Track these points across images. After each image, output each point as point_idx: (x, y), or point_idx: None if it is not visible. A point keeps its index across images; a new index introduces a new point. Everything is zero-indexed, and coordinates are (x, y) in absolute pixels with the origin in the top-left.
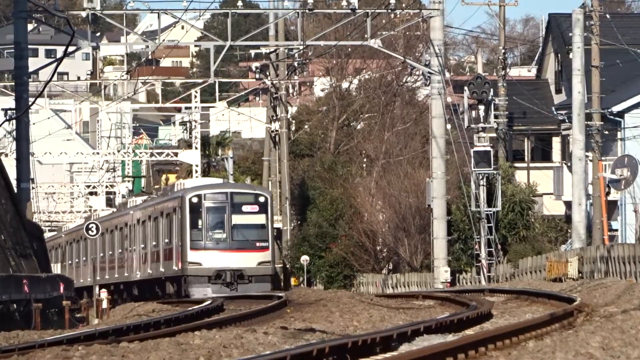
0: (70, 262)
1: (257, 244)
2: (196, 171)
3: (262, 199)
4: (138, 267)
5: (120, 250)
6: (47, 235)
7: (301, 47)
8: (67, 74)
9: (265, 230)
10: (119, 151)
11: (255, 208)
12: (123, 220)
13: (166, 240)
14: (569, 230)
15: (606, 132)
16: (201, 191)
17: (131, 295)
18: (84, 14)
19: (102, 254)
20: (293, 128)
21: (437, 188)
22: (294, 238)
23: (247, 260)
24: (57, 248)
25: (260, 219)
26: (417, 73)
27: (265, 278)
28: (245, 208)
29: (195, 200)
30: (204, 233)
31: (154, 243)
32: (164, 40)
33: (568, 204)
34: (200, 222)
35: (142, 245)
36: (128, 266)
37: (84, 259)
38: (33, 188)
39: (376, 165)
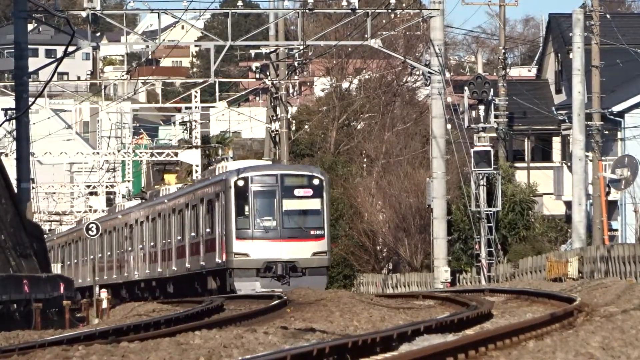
0: (84, 258)
1: (312, 232)
2: (196, 171)
3: (316, 181)
4: (174, 261)
5: (152, 244)
6: (64, 228)
7: (301, 47)
8: (67, 74)
9: (320, 217)
10: (119, 151)
11: (309, 191)
12: (155, 211)
13: (207, 230)
14: (569, 230)
15: (606, 132)
16: (248, 173)
17: (164, 293)
18: (84, 14)
19: (129, 249)
20: (293, 128)
21: (437, 188)
22: None
23: (301, 251)
24: (65, 245)
25: (315, 203)
26: (417, 73)
27: (320, 270)
28: (297, 192)
29: (241, 183)
30: (252, 220)
31: (192, 234)
32: (164, 40)
33: (568, 204)
34: (247, 208)
35: (179, 237)
36: (162, 261)
37: (99, 255)
38: (33, 188)
39: (376, 165)
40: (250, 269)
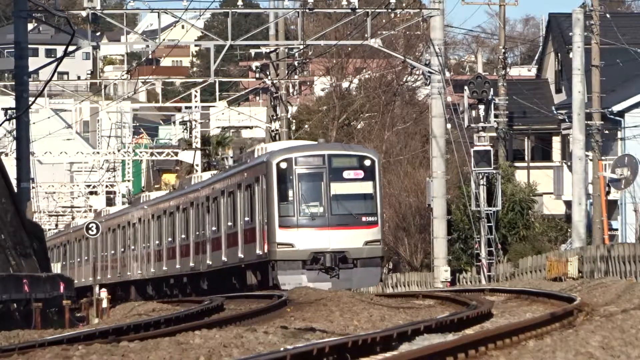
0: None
1: (364, 219)
2: (196, 170)
3: (367, 162)
4: (209, 254)
5: (183, 236)
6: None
7: (301, 47)
8: (67, 73)
9: (372, 202)
10: (119, 151)
11: (360, 173)
12: (187, 200)
13: (246, 219)
14: (569, 230)
15: (606, 132)
16: (291, 154)
17: (197, 289)
18: (84, 13)
19: (156, 242)
20: (293, 127)
21: (437, 187)
22: None
23: (351, 239)
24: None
25: (367, 187)
26: (417, 72)
27: (374, 261)
28: (347, 174)
29: (284, 165)
30: (296, 207)
31: (229, 223)
32: (164, 39)
33: (568, 204)
34: (290, 193)
35: (214, 228)
36: (195, 254)
37: (122, 251)
38: (33, 187)
39: None
40: (295, 260)
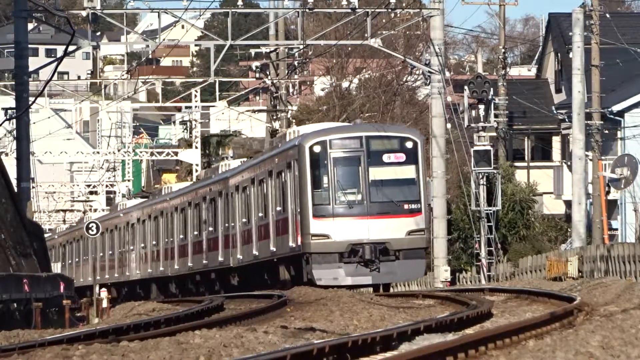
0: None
1: (406, 207)
2: (196, 170)
3: (409, 144)
4: (239, 248)
5: (211, 229)
6: (101, 215)
7: (301, 47)
8: (67, 73)
9: (415, 187)
10: (119, 150)
11: (401, 157)
12: (214, 190)
13: (278, 209)
14: (569, 230)
15: (606, 132)
16: (325, 136)
17: (227, 286)
18: (84, 13)
19: (180, 237)
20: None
21: (437, 187)
22: None
23: (393, 229)
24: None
25: (409, 171)
26: (417, 72)
27: (417, 253)
28: (386, 157)
29: (317, 149)
30: (332, 194)
31: (260, 214)
32: (164, 39)
33: (568, 203)
34: (325, 180)
35: (244, 220)
36: (224, 248)
37: (141, 246)
38: (33, 187)
39: None
40: (331, 253)
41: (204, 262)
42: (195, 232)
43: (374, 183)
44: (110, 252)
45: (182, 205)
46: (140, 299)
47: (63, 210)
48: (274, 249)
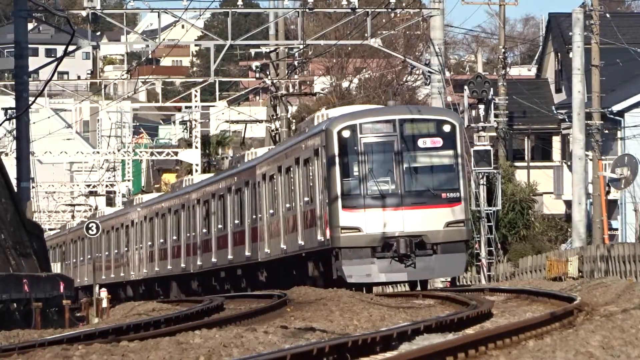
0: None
1: (444, 196)
2: (196, 170)
3: (447, 128)
4: (266, 242)
5: (237, 221)
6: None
7: (301, 47)
8: (67, 73)
9: (454, 174)
10: (119, 150)
11: (438, 141)
12: (239, 180)
13: (306, 199)
14: (569, 230)
15: (606, 132)
16: (355, 120)
17: (254, 282)
18: (84, 13)
19: (203, 231)
20: (293, 127)
21: None
22: None
23: (430, 221)
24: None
25: (447, 157)
26: (417, 72)
27: (457, 247)
28: (422, 142)
29: (346, 134)
30: (363, 183)
31: (287, 205)
32: (164, 39)
33: (568, 203)
34: (355, 167)
35: (271, 211)
36: (252, 242)
37: (161, 241)
38: (33, 187)
39: None
40: (362, 247)
41: (229, 257)
42: (220, 226)
43: (408, 170)
44: (126, 249)
45: (205, 197)
46: (158, 296)
47: (72, 205)
48: (302, 243)
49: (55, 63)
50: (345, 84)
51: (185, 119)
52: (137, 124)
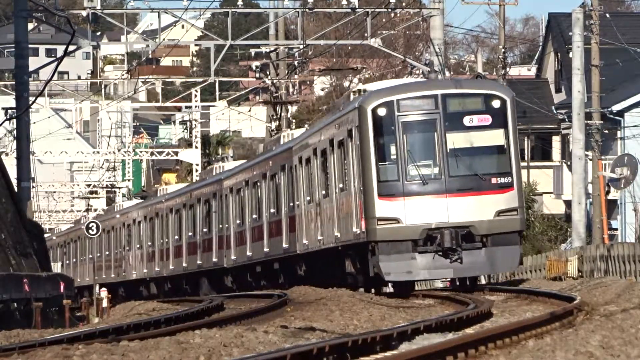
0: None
1: (494, 180)
2: (196, 170)
3: (496, 103)
4: (305, 233)
5: (273, 210)
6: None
7: (301, 46)
8: (67, 73)
9: (505, 157)
10: (119, 150)
11: (487, 119)
12: (275, 165)
13: (341, 186)
14: (569, 229)
15: (606, 131)
16: (392, 96)
17: (294, 277)
18: (84, 13)
19: (237, 222)
20: (293, 127)
21: None
22: None
23: (478, 209)
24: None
25: (496, 136)
26: (417, 72)
27: (510, 238)
28: (468, 120)
29: (382, 112)
30: (401, 167)
31: (323, 192)
32: (164, 39)
33: (568, 203)
34: (393, 150)
35: (308, 198)
36: (289, 232)
37: (189, 234)
38: (33, 187)
39: None
40: (402, 241)
41: (265, 249)
42: (255, 216)
43: (453, 152)
44: (150, 244)
45: (238, 185)
46: (186, 294)
47: (86, 198)
48: (338, 235)
49: (55, 63)
50: (345, 84)
51: (185, 119)
52: (137, 123)
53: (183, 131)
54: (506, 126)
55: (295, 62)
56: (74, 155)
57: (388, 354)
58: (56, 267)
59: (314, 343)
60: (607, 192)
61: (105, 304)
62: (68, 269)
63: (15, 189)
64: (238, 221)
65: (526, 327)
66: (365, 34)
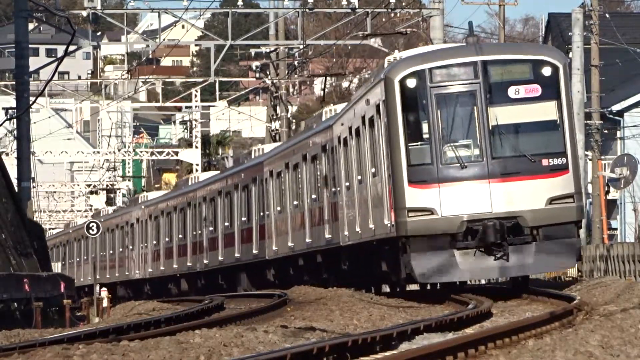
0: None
1: (545, 162)
2: (196, 170)
3: (547, 71)
4: (346, 223)
5: (314, 196)
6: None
7: (301, 46)
8: (67, 73)
9: (558, 134)
10: (119, 150)
11: (536, 89)
12: (317, 144)
13: (372, 170)
14: None
15: (605, 131)
16: (424, 64)
17: (334, 270)
18: (84, 13)
19: (277, 209)
20: (293, 127)
21: None
22: None
23: (528, 197)
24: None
25: (548, 110)
26: None
27: (566, 230)
28: (514, 91)
29: (412, 83)
30: (435, 149)
31: (359, 177)
32: (164, 39)
33: None
34: (425, 127)
35: (347, 184)
36: (332, 222)
37: (225, 224)
38: (34, 187)
39: None
40: (437, 235)
41: (307, 240)
42: (295, 202)
43: (497, 130)
44: (181, 236)
45: (277, 168)
46: (223, 291)
47: (107, 190)
48: (373, 227)
49: (55, 63)
50: (345, 84)
51: (185, 119)
52: (138, 123)
53: (183, 131)
54: (559, 97)
55: (295, 62)
56: (74, 155)
57: (388, 353)
58: (56, 267)
59: (314, 343)
60: (607, 192)
61: (105, 303)
62: (69, 267)
63: (16, 189)
64: (278, 208)
65: (526, 327)
66: (366, 34)
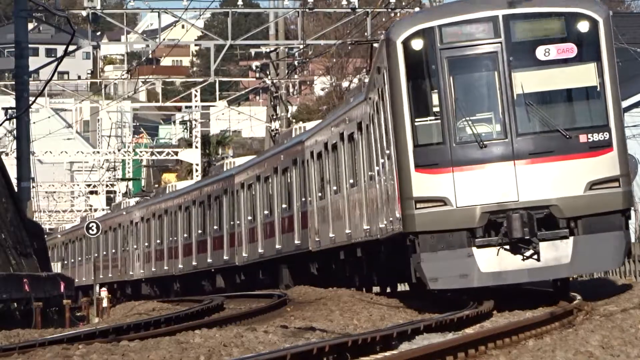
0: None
1: (583, 139)
2: (196, 170)
3: (583, 26)
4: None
5: (335, 188)
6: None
7: (301, 46)
8: (67, 73)
9: (599, 103)
10: (119, 150)
11: (570, 49)
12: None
13: (387, 152)
14: None
15: None
16: (432, 21)
17: (379, 266)
18: (84, 13)
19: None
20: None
21: None
22: None
23: (562, 181)
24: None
25: (585, 74)
26: None
27: (609, 221)
28: (543, 52)
29: (418, 44)
30: (447, 125)
31: (382, 160)
32: (164, 39)
33: None
34: (435, 99)
35: (378, 168)
36: (371, 216)
37: (249, 218)
38: (33, 187)
39: None
40: (452, 231)
41: (347, 231)
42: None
43: (523, 100)
44: (201, 231)
45: (317, 149)
46: (263, 287)
47: (112, 183)
48: (391, 220)
49: (55, 63)
50: (345, 84)
51: (185, 118)
52: (137, 123)
53: (183, 131)
54: (599, 58)
55: (295, 62)
56: (74, 155)
57: (388, 354)
58: (56, 267)
59: (314, 343)
60: None
61: (105, 303)
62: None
63: (15, 189)
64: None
65: (526, 327)
66: (366, 34)
